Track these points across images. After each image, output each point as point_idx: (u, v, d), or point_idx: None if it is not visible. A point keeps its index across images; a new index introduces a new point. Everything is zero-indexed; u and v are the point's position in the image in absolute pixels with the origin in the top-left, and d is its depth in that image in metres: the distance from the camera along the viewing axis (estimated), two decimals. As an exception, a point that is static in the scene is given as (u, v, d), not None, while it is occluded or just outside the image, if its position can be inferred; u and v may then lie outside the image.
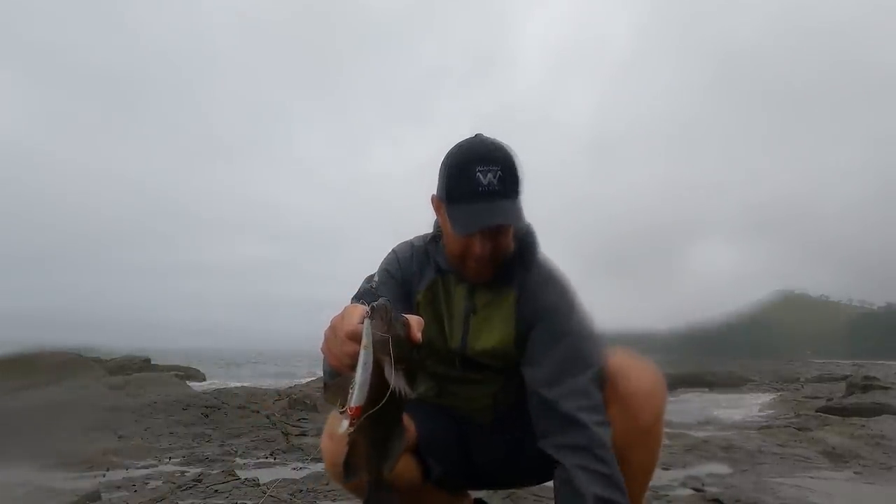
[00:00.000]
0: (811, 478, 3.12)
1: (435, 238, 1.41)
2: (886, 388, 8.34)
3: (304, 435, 4.65)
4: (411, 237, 1.49)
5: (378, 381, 0.86)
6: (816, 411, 7.06)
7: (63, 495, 2.62)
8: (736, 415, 7.75)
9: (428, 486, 1.43)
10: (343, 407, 0.86)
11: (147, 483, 2.96)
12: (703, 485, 2.89)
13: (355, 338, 0.90)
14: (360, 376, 0.85)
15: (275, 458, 3.73)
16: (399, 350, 0.88)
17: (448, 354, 1.40)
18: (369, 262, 1.48)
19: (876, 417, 5.86)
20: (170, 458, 3.76)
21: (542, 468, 1.46)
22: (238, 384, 11.16)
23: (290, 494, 2.61)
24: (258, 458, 3.73)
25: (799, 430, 5.05)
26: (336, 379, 0.96)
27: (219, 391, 7.77)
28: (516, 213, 1.24)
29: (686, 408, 8.40)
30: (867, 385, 8.68)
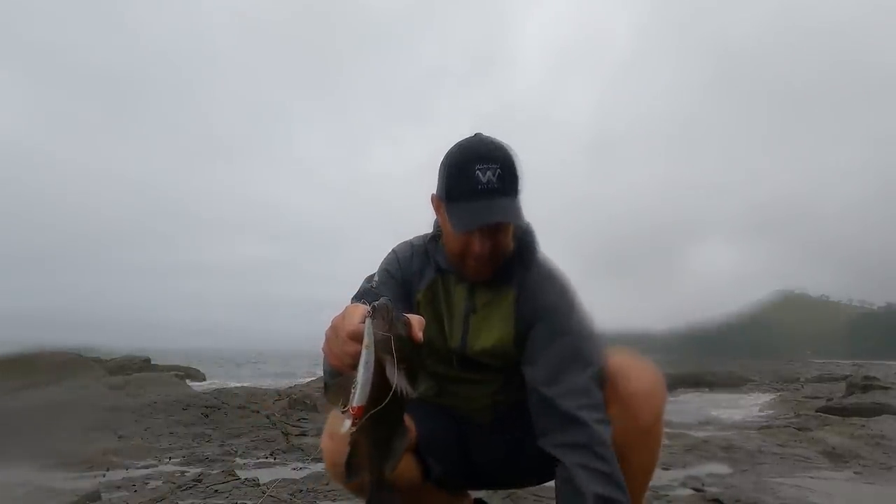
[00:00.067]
0: (811, 478, 3.12)
1: (434, 238, 1.42)
2: (886, 388, 8.34)
3: (304, 435, 4.65)
4: (411, 237, 1.49)
5: (380, 381, 0.86)
6: (816, 411, 7.06)
7: (63, 495, 2.62)
8: (736, 415, 7.75)
9: (428, 486, 1.43)
10: (345, 406, 0.86)
11: (147, 483, 2.96)
12: (703, 485, 2.89)
13: (357, 337, 0.90)
14: (363, 376, 0.85)
15: (275, 458, 3.73)
16: (401, 349, 0.88)
17: (447, 354, 1.40)
18: (369, 262, 1.48)
19: (876, 417, 5.86)
20: (170, 458, 3.76)
21: (542, 468, 1.46)
22: (238, 384, 11.17)
23: (290, 494, 2.61)
24: (258, 458, 3.73)
25: (799, 430, 5.05)
26: (337, 379, 0.96)
27: (219, 391, 7.77)
28: (515, 211, 1.24)
29: (686, 408, 8.41)
30: (867, 385, 8.68)
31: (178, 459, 3.70)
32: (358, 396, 0.84)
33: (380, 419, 0.87)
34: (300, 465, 3.50)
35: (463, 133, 1.31)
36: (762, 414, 7.83)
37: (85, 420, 5.39)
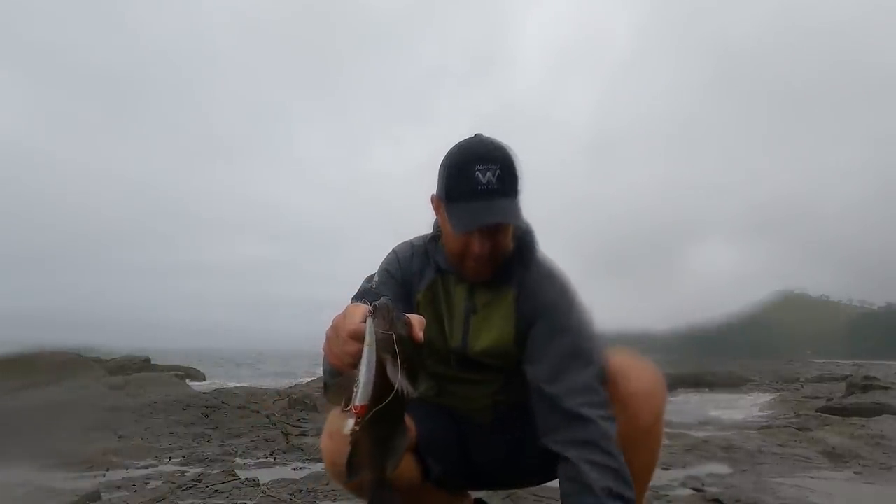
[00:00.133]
0: (811, 478, 3.12)
1: (434, 238, 1.42)
2: (886, 388, 8.33)
3: (304, 435, 4.64)
4: (411, 237, 1.50)
5: (381, 380, 0.86)
6: (816, 411, 7.06)
7: (63, 495, 2.62)
8: (736, 415, 7.75)
9: (427, 486, 1.43)
10: (346, 406, 0.86)
11: (147, 483, 2.96)
12: (703, 485, 2.89)
13: (357, 337, 0.90)
14: (365, 375, 0.85)
15: (275, 458, 3.73)
16: (402, 349, 0.88)
17: (447, 354, 1.40)
18: (369, 262, 1.48)
19: (876, 417, 5.86)
20: (170, 458, 3.76)
21: (542, 468, 1.46)
22: (238, 384, 11.17)
23: (290, 494, 2.61)
24: (258, 458, 3.73)
25: (799, 430, 5.05)
26: (337, 378, 0.96)
27: (219, 391, 7.77)
28: (515, 211, 1.24)
29: (686, 408, 8.41)
30: (867, 385, 8.68)
31: (178, 459, 3.70)
32: (360, 395, 0.84)
33: (381, 419, 0.87)
34: (300, 465, 3.50)
35: (463, 133, 1.31)
36: (762, 414, 7.83)
37: (85, 420, 5.39)
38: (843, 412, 6.62)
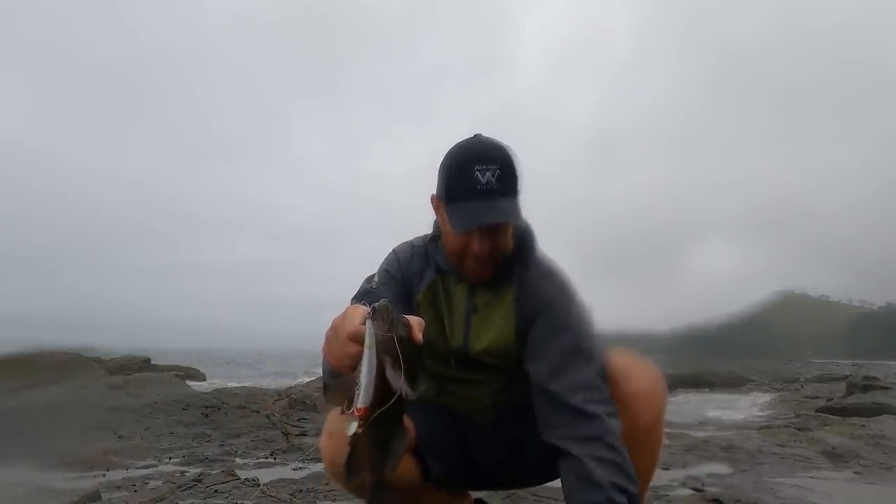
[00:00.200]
0: (811, 478, 3.12)
1: (434, 238, 1.42)
2: (886, 388, 8.34)
3: (304, 435, 4.64)
4: (411, 237, 1.50)
5: (381, 383, 0.86)
6: (816, 411, 7.06)
7: (63, 495, 2.62)
8: (736, 415, 7.75)
9: (427, 486, 1.43)
10: (348, 408, 0.86)
11: (147, 483, 2.96)
12: (703, 485, 2.89)
13: (357, 339, 0.90)
14: (366, 377, 0.85)
15: (275, 458, 3.73)
16: (401, 351, 0.88)
17: (447, 355, 1.40)
18: (369, 262, 1.48)
19: (876, 417, 5.86)
20: (170, 458, 3.76)
21: (543, 469, 1.46)
22: (238, 384, 11.17)
23: (290, 494, 2.61)
24: (258, 458, 3.73)
25: (799, 430, 5.05)
26: (337, 380, 0.96)
27: (219, 391, 7.77)
28: (515, 211, 1.24)
29: (686, 408, 8.41)
30: (867, 385, 8.68)
31: (178, 459, 3.70)
32: (362, 398, 0.84)
33: (380, 420, 0.87)
34: (300, 465, 3.50)
35: (463, 133, 1.32)
36: (762, 414, 7.84)
37: (85, 420, 5.39)
38: (843, 412, 6.62)
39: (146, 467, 3.46)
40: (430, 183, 1.36)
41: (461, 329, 1.37)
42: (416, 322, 0.95)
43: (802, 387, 12.77)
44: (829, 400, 8.13)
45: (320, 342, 1.01)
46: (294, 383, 10.78)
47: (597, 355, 1.26)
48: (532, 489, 2.51)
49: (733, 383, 13.81)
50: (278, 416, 5.65)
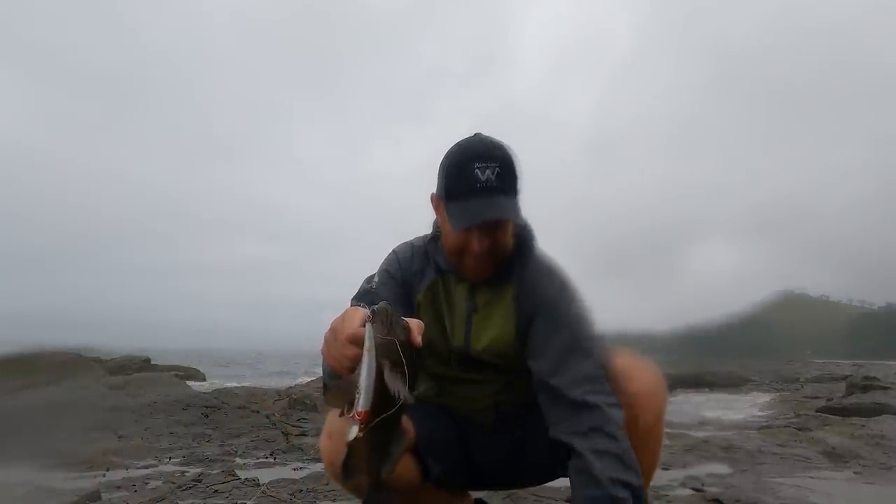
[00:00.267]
0: (811, 478, 3.12)
1: (434, 238, 1.42)
2: (886, 388, 8.34)
3: (304, 435, 4.64)
4: (411, 237, 1.50)
5: (380, 386, 0.86)
6: (816, 411, 7.06)
7: (63, 495, 2.62)
8: (736, 415, 7.75)
9: (427, 486, 1.43)
10: (349, 411, 0.86)
11: (147, 483, 2.96)
12: (703, 485, 2.89)
13: (356, 341, 0.90)
14: (365, 380, 0.85)
15: (275, 458, 3.73)
16: (400, 354, 0.88)
17: (448, 355, 1.40)
18: (369, 262, 1.48)
19: (876, 417, 5.86)
20: (170, 458, 3.76)
21: (543, 469, 1.46)
22: (238, 384, 11.16)
23: (290, 494, 2.61)
24: (258, 458, 3.73)
25: (799, 430, 5.05)
26: (336, 382, 0.96)
27: (219, 391, 7.77)
28: (514, 208, 1.25)
29: (686, 408, 8.41)
30: (867, 385, 8.68)
31: (178, 459, 3.70)
32: (362, 401, 0.84)
33: (379, 423, 0.87)
34: (300, 465, 3.50)
35: (463, 133, 1.32)
36: (762, 414, 7.84)
37: (85, 420, 5.39)
38: (843, 412, 6.62)
39: (146, 467, 3.46)
40: (430, 183, 1.36)
41: (462, 329, 1.37)
42: (415, 325, 0.95)
43: (802, 387, 12.78)
44: (829, 400, 8.13)
45: (320, 342, 1.01)
46: (294, 383, 10.78)
47: (597, 349, 1.26)
48: (532, 489, 2.51)
49: (733, 383, 13.81)
50: (278, 416, 5.65)
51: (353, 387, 0.86)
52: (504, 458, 1.46)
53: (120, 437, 4.58)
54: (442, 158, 1.30)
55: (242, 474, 3.05)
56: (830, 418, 6.18)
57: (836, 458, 3.80)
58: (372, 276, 1.41)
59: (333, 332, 0.97)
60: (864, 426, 5.08)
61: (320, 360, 1.10)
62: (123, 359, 13.90)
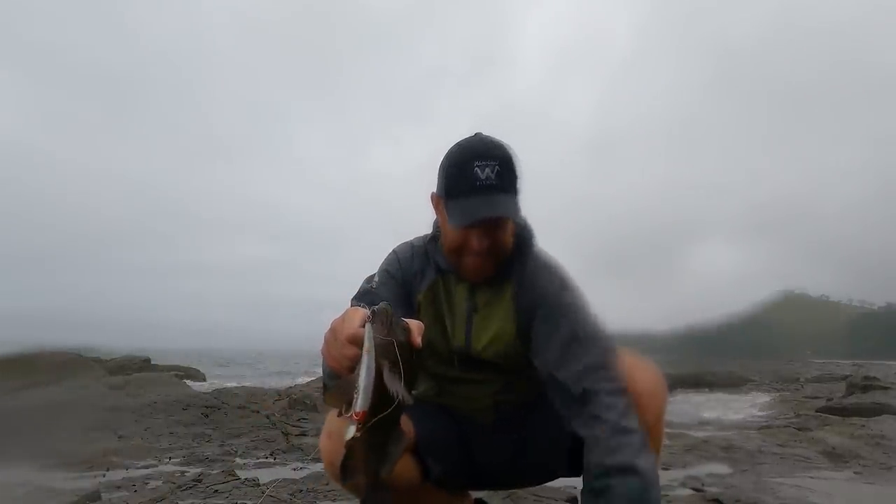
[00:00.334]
0: (811, 478, 3.12)
1: (434, 238, 1.41)
2: (886, 388, 8.34)
3: (304, 435, 4.65)
4: (411, 237, 1.49)
5: (379, 386, 0.86)
6: (816, 411, 7.07)
7: (63, 495, 2.62)
8: (736, 415, 7.76)
9: (427, 486, 1.42)
10: (346, 411, 0.86)
11: (147, 483, 2.96)
12: (703, 485, 2.89)
13: (355, 341, 0.90)
14: (364, 381, 0.85)
15: (275, 458, 3.73)
16: (400, 355, 0.88)
17: (449, 355, 1.39)
18: (369, 262, 1.48)
19: (876, 417, 5.87)
20: (170, 458, 3.76)
21: (544, 469, 1.46)
22: (238, 384, 11.17)
23: (290, 494, 2.61)
24: (258, 458, 3.73)
25: (799, 430, 5.05)
26: (336, 382, 0.96)
27: (219, 391, 7.77)
28: (514, 207, 1.24)
29: (686, 408, 8.41)
30: (867, 385, 8.69)
31: (178, 459, 3.70)
32: (361, 402, 0.84)
33: (376, 424, 0.87)
34: (300, 465, 3.50)
35: (463, 133, 1.32)
36: (762, 414, 7.84)
37: (85, 420, 5.39)
38: (843, 412, 6.63)
39: (146, 467, 3.46)
40: (430, 183, 1.36)
41: (463, 329, 1.37)
42: (415, 325, 0.95)
43: (802, 387, 12.78)
44: (829, 400, 8.13)
45: (320, 342, 1.01)
46: (294, 383, 10.78)
47: (599, 338, 1.26)
48: (532, 489, 2.51)
49: (733, 383, 13.82)
50: (278, 416, 5.66)
51: (353, 387, 0.86)
52: (504, 458, 1.46)
53: (120, 437, 4.58)
54: (442, 158, 1.30)
55: (242, 474, 3.06)
56: (830, 418, 6.18)
57: (836, 458, 3.80)
58: (372, 276, 1.41)
59: (333, 332, 0.97)
60: (864, 426, 5.08)
61: (320, 360, 1.10)
62: (123, 359, 13.91)
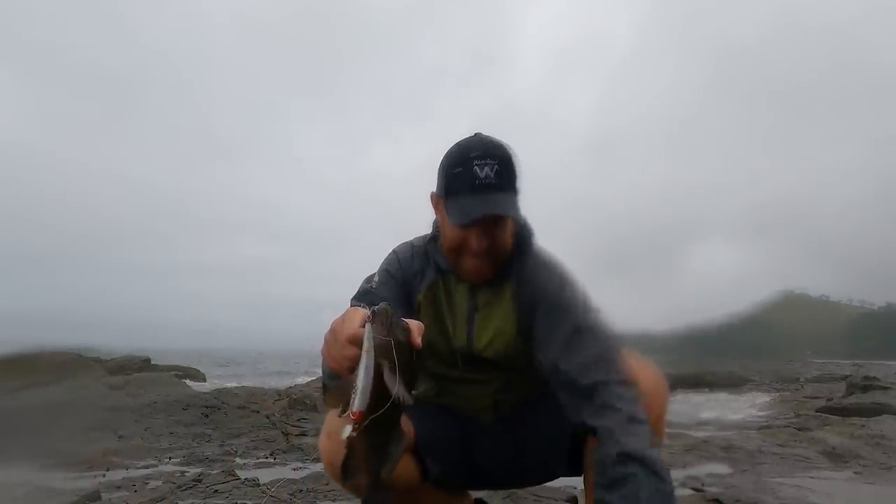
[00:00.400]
0: (811, 478, 3.12)
1: (434, 238, 1.41)
2: (886, 388, 8.34)
3: (304, 435, 4.65)
4: (411, 237, 1.49)
5: (378, 387, 0.86)
6: (816, 411, 7.07)
7: (63, 495, 2.62)
8: (736, 415, 7.76)
9: (426, 486, 1.42)
10: (345, 411, 0.86)
11: (147, 483, 2.96)
12: (703, 485, 2.89)
13: (356, 342, 0.90)
14: (362, 381, 0.85)
15: (275, 458, 3.73)
16: (400, 355, 0.88)
17: (451, 354, 1.39)
18: (369, 262, 1.48)
19: (876, 417, 5.87)
20: (170, 458, 3.77)
21: (544, 469, 1.46)
22: (238, 384, 11.17)
23: (290, 494, 2.61)
24: (258, 458, 3.73)
25: (799, 430, 5.05)
26: (336, 382, 0.96)
27: (219, 391, 7.77)
28: (513, 205, 1.24)
29: (686, 408, 8.41)
30: (867, 385, 8.69)
31: (178, 459, 3.70)
32: (358, 402, 0.84)
33: (377, 424, 0.87)
34: (300, 465, 3.50)
35: (463, 133, 1.32)
36: (762, 414, 7.84)
37: (85, 420, 5.39)
38: (843, 412, 6.63)
39: (146, 467, 3.46)
40: (429, 183, 1.36)
41: (464, 329, 1.37)
42: (415, 326, 0.94)
43: (802, 387, 12.78)
44: (829, 400, 8.14)
45: (320, 342, 1.01)
46: (294, 383, 10.78)
47: (602, 330, 1.26)
48: (532, 489, 2.51)
49: (733, 383, 13.81)
50: (278, 416, 5.66)
51: (352, 387, 0.86)
52: (504, 458, 1.46)
53: (120, 437, 4.59)
54: (442, 158, 1.30)
55: (242, 474, 3.06)
56: (830, 418, 6.18)
57: (836, 458, 3.80)
58: (372, 276, 1.41)
59: (333, 332, 0.97)
60: (864, 426, 5.08)
61: (320, 361, 1.10)
62: (123, 359, 13.91)
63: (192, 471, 3.27)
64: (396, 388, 0.86)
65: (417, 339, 0.93)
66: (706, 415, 7.58)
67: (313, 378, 10.46)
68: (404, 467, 1.35)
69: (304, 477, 3.05)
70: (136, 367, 12.89)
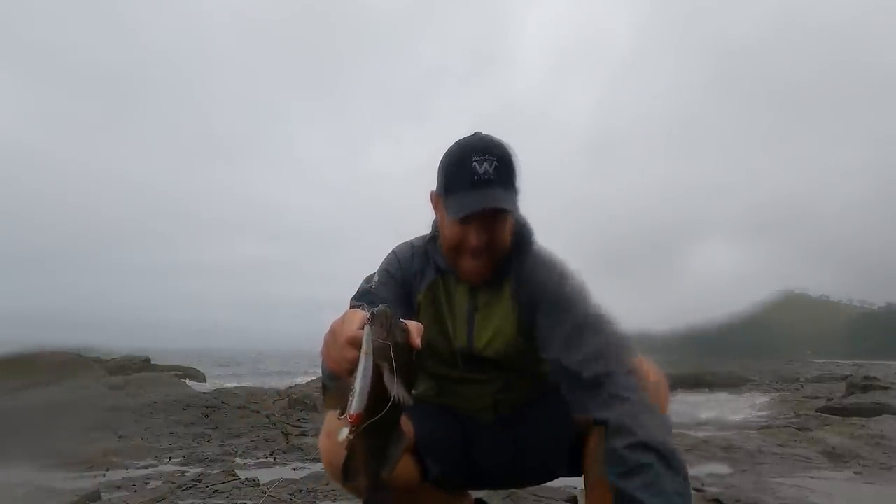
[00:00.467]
0: (811, 478, 3.12)
1: (434, 238, 1.41)
2: (886, 388, 8.35)
3: (304, 435, 4.65)
4: (411, 237, 1.49)
5: (377, 389, 0.86)
6: (816, 411, 7.07)
7: (63, 495, 2.62)
8: (736, 415, 7.76)
9: (426, 486, 1.42)
10: (343, 413, 0.86)
11: (147, 483, 2.96)
12: (703, 485, 2.89)
13: (355, 343, 0.90)
14: (361, 383, 0.85)
15: (275, 458, 3.73)
16: (399, 357, 0.88)
17: (451, 354, 1.39)
18: (369, 262, 1.48)
19: (876, 417, 5.87)
20: (170, 458, 3.77)
21: (544, 469, 1.46)
22: (238, 384, 11.17)
23: (290, 494, 2.61)
24: (258, 458, 3.73)
25: (799, 430, 5.05)
26: (335, 383, 0.96)
27: (219, 391, 7.78)
28: (512, 201, 1.25)
29: (686, 408, 8.41)
30: (867, 385, 8.69)
31: (178, 459, 3.70)
32: (356, 404, 0.84)
33: (376, 426, 0.87)
34: (300, 465, 3.50)
35: (463, 133, 1.32)
36: (762, 414, 7.84)
37: (85, 420, 5.39)
38: (843, 412, 6.63)
39: (146, 467, 3.47)
40: (429, 183, 1.36)
41: (464, 329, 1.37)
42: (414, 327, 0.94)
43: (802, 387, 12.78)
44: (829, 400, 8.13)
45: (320, 343, 1.01)
46: (294, 383, 10.79)
47: (604, 323, 1.25)
48: (532, 489, 2.51)
49: (733, 383, 13.81)
50: (278, 416, 5.66)
51: (351, 389, 0.86)
52: (504, 458, 1.46)
53: (120, 437, 4.59)
54: (442, 157, 1.31)
55: (242, 474, 3.06)
56: (830, 418, 6.18)
57: (836, 458, 3.80)
58: (372, 276, 1.41)
59: (333, 334, 0.97)
60: (864, 426, 5.08)
61: (320, 361, 1.10)
62: (123, 359, 13.91)
63: (192, 471, 3.27)
64: (395, 389, 0.86)
65: (417, 341, 0.93)
66: (706, 415, 7.58)
67: (313, 378, 10.46)
68: (404, 467, 1.35)
69: (304, 477, 3.05)
70: (136, 367, 12.90)
